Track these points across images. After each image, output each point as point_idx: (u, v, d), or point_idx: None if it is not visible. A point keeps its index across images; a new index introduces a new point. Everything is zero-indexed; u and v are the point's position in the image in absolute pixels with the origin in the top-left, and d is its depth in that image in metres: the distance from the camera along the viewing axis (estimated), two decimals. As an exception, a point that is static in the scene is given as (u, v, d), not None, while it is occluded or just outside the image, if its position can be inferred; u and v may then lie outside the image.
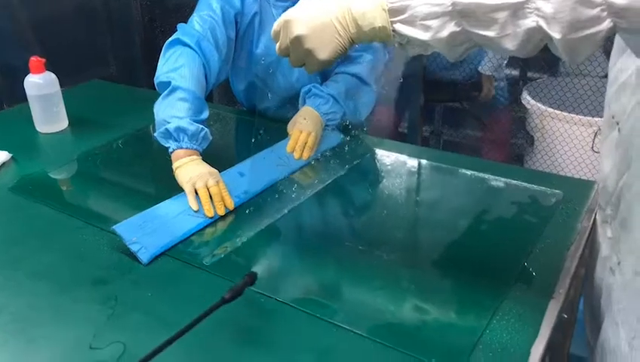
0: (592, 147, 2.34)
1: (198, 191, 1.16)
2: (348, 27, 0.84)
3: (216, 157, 1.29)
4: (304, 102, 1.50)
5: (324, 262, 1.05)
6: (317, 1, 0.86)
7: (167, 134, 1.25)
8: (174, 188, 1.22)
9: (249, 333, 0.88)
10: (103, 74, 2.50)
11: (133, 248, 1.04)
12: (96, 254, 1.08)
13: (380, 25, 0.81)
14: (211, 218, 1.15)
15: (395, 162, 1.44)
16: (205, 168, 1.21)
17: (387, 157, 1.47)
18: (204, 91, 1.35)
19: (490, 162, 1.57)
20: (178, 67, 1.32)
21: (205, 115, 1.30)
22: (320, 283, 1.02)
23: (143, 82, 2.74)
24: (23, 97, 1.61)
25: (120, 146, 1.54)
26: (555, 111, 2.45)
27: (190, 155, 1.23)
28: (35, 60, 1.57)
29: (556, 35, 0.66)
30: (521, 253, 1.05)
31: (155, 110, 1.30)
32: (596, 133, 2.31)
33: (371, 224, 1.21)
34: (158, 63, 1.36)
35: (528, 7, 0.67)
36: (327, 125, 1.48)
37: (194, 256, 1.07)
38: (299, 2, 0.89)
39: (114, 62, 2.84)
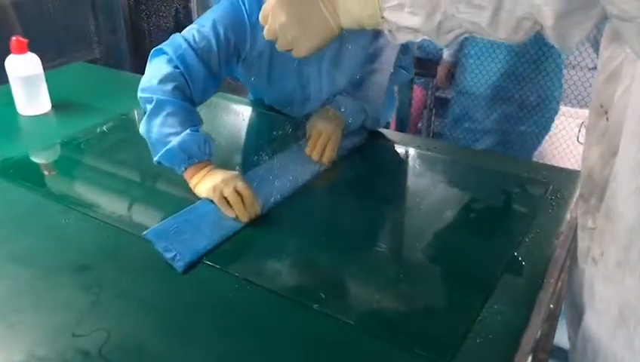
0: (578, 138, 2.35)
1: (229, 198, 1.10)
2: (336, 14, 0.83)
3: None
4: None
5: (315, 252, 1.04)
6: None
7: (173, 155, 1.16)
8: (159, 175, 1.19)
9: (239, 321, 0.87)
10: (86, 57, 2.46)
11: (168, 255, 1.00)
12: (80, 239, 1.06)
13: (369, 12, 0.80)
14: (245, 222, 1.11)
15: (386, 150, 1.43)
16: (226, 173, 1.15)
17: (378, 144, 1.45)
18: (191, 99, 1.24)
19: (479, 151, 1.57)
20: (161, 79, 1.20)
21: (200, 120, 1.22)
22: (311, 273, 1.01)
23: (127, 66, 2.70)
24: (4, 79, 1.57)
25: (104, 130, 1.51)
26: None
27: (204, 167, 1.17)
28: (17, 40, 1.52)
29: (547, 22, 0.66)
30: (511, 242, 1.05)
31: (144, 131, 1.19)
32: (582, 125, 2.32)
33: (362, 214, 1.19)
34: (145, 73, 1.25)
35: None
36: (347, 126, 1.37)
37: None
38: None
39: (98, 45, 2.79)
